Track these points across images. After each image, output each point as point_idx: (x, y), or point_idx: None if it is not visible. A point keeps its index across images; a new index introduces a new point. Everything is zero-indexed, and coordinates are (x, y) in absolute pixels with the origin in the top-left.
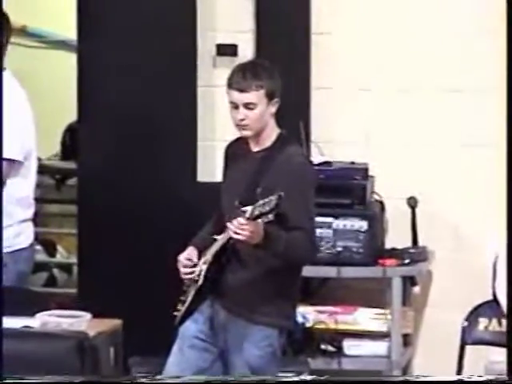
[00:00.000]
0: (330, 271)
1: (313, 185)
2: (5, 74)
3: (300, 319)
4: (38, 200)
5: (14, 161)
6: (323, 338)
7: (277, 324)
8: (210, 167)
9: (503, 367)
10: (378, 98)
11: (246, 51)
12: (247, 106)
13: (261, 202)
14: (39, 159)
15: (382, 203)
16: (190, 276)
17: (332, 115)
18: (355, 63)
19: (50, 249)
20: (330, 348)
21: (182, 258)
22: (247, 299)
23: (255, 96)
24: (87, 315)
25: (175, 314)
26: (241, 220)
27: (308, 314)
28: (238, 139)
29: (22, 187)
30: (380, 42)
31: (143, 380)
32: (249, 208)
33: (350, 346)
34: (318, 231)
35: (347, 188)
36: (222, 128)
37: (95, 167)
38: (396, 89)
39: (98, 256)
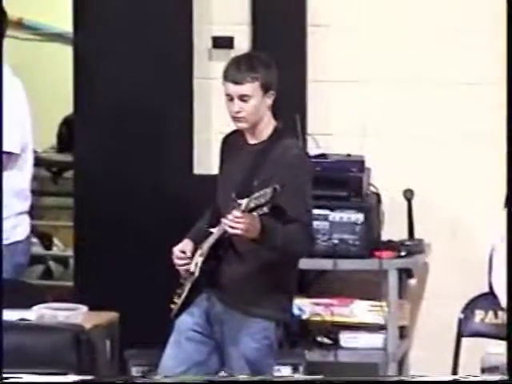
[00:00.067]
0: (326, 263)
1: (310, 177)
2: None
3: (296, 311)
4: (35, 192)
5: (10, 153)
6: (319, 330)
7: (273, 317)
8: (207, 160)
9: (499, 359)
10: (374, 91)
11: (242, 44)
12: (242, 98)
13: (256, 194)
14: (35, 152)
15: (378, 195)
16: (183, 268)
17: (328, 108)
18: (351, 55)
19: (46, 241)
20: (326, 340)
21: (176, 250)
22: (244, 292)
23: (250, 88)
24: (83, 308)
25: (171, 306)
26: (236, 213)
27: (304, 307)
28: (234, 132)
29: (19, 180)
30: (377, 34)
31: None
32: (244, 200)
33: (346, 339)
34: (315, 223)
35: (343, 180)
36: (218, 120)
37: (91, 160)
38: (392, 81)
39: (95, 249)
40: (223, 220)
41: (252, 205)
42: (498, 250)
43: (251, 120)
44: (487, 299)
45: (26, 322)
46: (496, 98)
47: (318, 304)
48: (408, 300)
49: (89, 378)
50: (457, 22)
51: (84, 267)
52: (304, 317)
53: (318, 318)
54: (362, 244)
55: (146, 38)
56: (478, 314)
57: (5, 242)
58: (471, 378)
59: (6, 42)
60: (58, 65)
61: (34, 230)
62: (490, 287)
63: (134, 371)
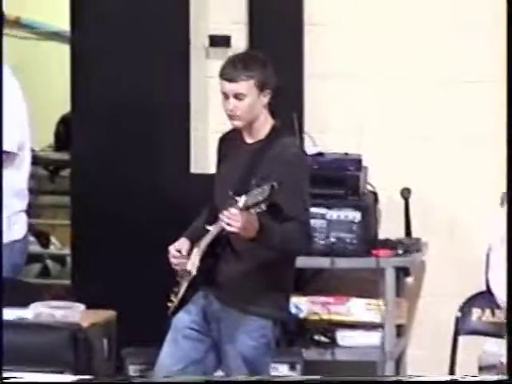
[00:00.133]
0: (323, 262)
1: (307, 176)
2: None
3: (293, 310)
4: (32, 191)
5: (8, 152)
6: (316, 328)
7: (271, 315)
8: (203, 159)
9: (496, 358)
10: (371, 89)
11: (239, 42)
12: (237, 96)
13: (254, 191)
14: (33, 150)
15: (375, 194)
16: (179, 267)
17: (325, 106)
18: (348, 54)
19: (44, 240)
20: (324, 339)
21: (172, 248)
22: (241, 290)
23: (245, 86)
24: (81, 306)
25: (168, 304)
26: (233, 210)
27: (301, 305)
28: (231, 131)
29: (16, 178)
30: (374, 32)
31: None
32: (242, 198)
33: (343, 337)
34: (312, 222)
35: (341, 179)
36: (215, 119)
37: (88, 158)
38: (390, 80)
39: (92, 247)
40: (221, 216)
41: (249, 202)
42: (495, 250)
43: (246, 118)
44: (484, 297)
45: (24, 320)
46: (494, 97)
47: (315, 302)
48: (405, 298)
49: (87, 377)
50: (454, 19)
51: (81, 265)
52: (301, 315)
53: (315, 317)
54: (359, 242)
55: (143, 37)
56: (475, 313)
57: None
58: (471, 378)
59: (3, 40)
60: (55, 63)
61: (31, 229)
62: (487, 285)
63: (131, 369)
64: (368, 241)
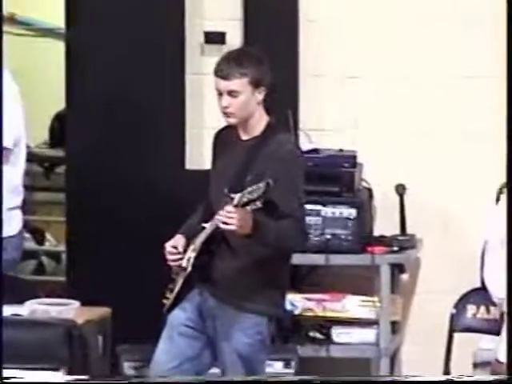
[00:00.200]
0: (318, 259)
1: (302, 173)
2: None
3: (288, 307)
4: (27, 188)
5: (4, 148)
6: (312, 325)
7: (266, 312)
8: (199, 155)
9: (491, 355)
10: (366, 86)
11: (234, 39)
12: (231, 93)
13: (249, 189)
14: (28, 147)
15: (370, 191)
16: (175, 263)
17: (320, 103)
18: (344, 51)
19: (39, 236)
20: (319, 335)
21: (168, 245)
22: (236, 287)
23: (238, 84)
24: (76, 303)
25: (164, 301)
26: (229, 208)
27: (296, 302)
28: (226, 127)
29: (12, 175)
30: (369, 28)
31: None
32: (237, 195)
33: (338, 334)
34: (307, 219)
35: (335, 175)
36: (211, 116)
37: (83, 155)
38: (385, 76)
39: (87, 244)
40: (216, 215)
41: (245, 199)
42: (490, 247)
43: (240, 115)
44: (479, 294)
45: (19, 317)
46: (488, 93)
47: (310, 299)
48: (400, 295)
49: (85, 377)
50: (452, 14)
51: (76, 262)
52: (296, 312)
53: (310, 313)
54: (354, 239)
55: (138, 34)
56: (470, 309)
57: None
58: (471, 378)
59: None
60: (51, 60)
61: (26, 225)
62: (482, 282)
63: (126, 366)
64: (363, 237)
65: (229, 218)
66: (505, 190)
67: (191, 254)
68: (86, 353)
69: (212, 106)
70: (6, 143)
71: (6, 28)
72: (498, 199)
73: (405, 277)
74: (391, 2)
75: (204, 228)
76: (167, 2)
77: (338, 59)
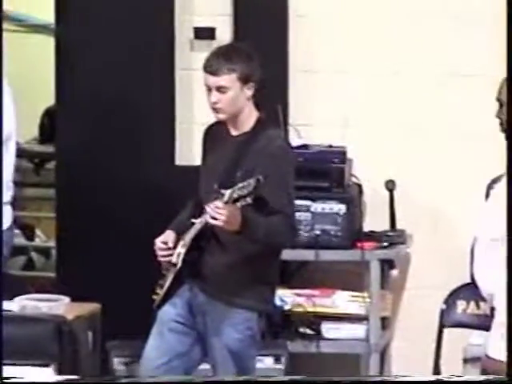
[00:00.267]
0: (308, 254)
1: (292, 168)
2: None
3: (278, 302)
4: (17, 184)
5: None
6: (301, 321)
7: (256, 307)
8: (188, 151)
9: (481, 350)
10: (356, 81)
11: (224, 34)
12: (220, 89)
13: (239, 185)
14: (17, 143)
15: (360, 186)
16: (165, 259)
17: (310, 98)
18: (334, 46)
19: (29, 232)
20: (309, 331)
21: (158, 241)
22: (226, 283)
23: (227, 79)
24: (65, 299)
25: (154, 297)
26: (218, 203)
27: (286, 297)
28: (216, 123)
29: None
30: (359, 24)
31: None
32: (227, 191)
33: (328, 329)
34: (296, 214)
35: (325, 171)
36: (200, 111)
37: (73, 151)
38: (375, 72)
39: (77, 240)
40: (206, 208)
41: (235, 195)
42: (480, 242)
43: (229, 111)
44: (469, 290)
45: (8, 313)
46: (479, 91)
47: (300, 295)
48: (390, 291)
49: (78, 377)
50: (445, 10)
51: (66, 258)
52: (286, 307)
53: (300, 309)
54: (344, 235)
55: (128, 29)
56: (460, 305)
57: None
58: (471, 379)
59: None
60: (42, 56)
61: (16, 221)
62: (472, 278)
63: (116, 362)
64: (353, 233)
65: (217, 213)
66: (494, 186)
67: (181, 249)
68: (76, 348)
69: (202, 101)
70: None
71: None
72: (487, 195)
73: (395, 272)
74: None
75: (194, 224)
76: None
77: (328, 54)
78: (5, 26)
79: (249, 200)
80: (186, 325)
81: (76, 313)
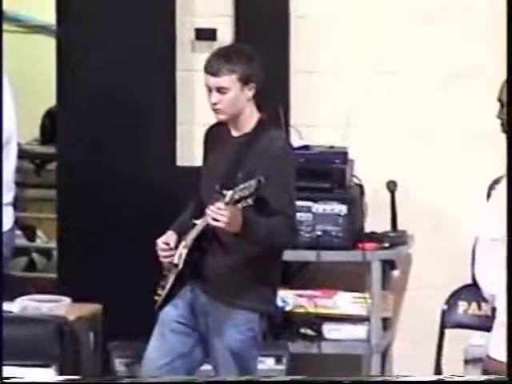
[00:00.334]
0: (309, 255)
1: (294, 169)
2: None
3: (280, 303)
4: (18, 184)
5: None
6: (303, 321)
7: (258, 308)
8: (190, 152)
9: (482, 351)
10: (357, 82)
11: (225, 35)
12: (220, 90)
13: (241, 186)
14: (18, 144)
15: (361, 187)
16: (167, 260)
17: (311, 99)
18: (335, 47)
19: (30, 233)
20: (310, 332)
21: (160, 242)
22: (228, 284)
23: (227, 80)
24: (67, 300)
25: (155, 298)
26: (219, 205)
27: (288, 298)
28: (217, 123)
29: (3, 171)
30: (360, 25)
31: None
32: (229, 192)
33: (329, 330)
34: (298, 215)
35: (326, 172)
36: (202, 112)
37: (74, 152)
38: (376, 73)
39: (78, 241)
40: (207, 210)
41: (236, 197)
42: (481, 243)
43: (229, 112)
44: (470, 290)
45: (9, 313)
46: (479, 91)
47: (301, 296)
48: (391, 291)
49: (79, 377)
50: (445, 11)
51: (67, 259)
52: (287, 308)
53: (301, 310)
54: (345, 235)
55: (129, 30)
56: (461, 306)
57: None
58: (471, 379)
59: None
60: (42, 57)
61: (17, 222)
62: (473, 278)
63: (118, 363)
64: (354, 234)
65: (219, 214)
66: (496, 187)
67: (183, 250)
68: (77, 349)
69: (203, 102)
70: None
71: None
72: (488, 196)
73: (396, 273)
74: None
75: (195, 224)
76: None
77: (329, 55)
78: (5, 26)
79: (250, 201)
80: (187, 326)
81: (77, 313)
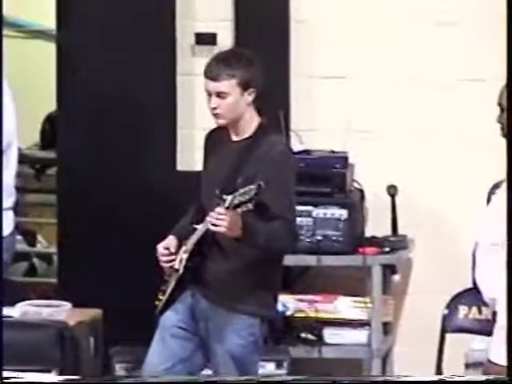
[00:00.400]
0: (310, 260)
1: (294, 174)
2: None
3: (280, 308)
4: (18, 189)
5: None
6: (303, 326)
7: (258, 313)
8: (190, 156)
9: (483, 355)
10: (357, 87)
11: (225, 40)
12: (219, 94)
13: (241, 191)
14: (19, 149)
15: (361, 191)
16: (168, 265)
17: (312, 103)
18: (335, 51)
19: (30, 238)
20: (311, 336)
21: (160, 247)
22: (229, 289)
23: (227, 85)
24: (67, 305)
25: (156, 303)
26: (219, 210)
27: (288, 303)
28: (217, 128)
29: (4, 176)
30: (361, 29)
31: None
32: (229, 197)
33: (330, 335)
34: (298, 220)
35: (327, 176)
36: (202, 117)
37: (74, 157)
38: (376, 77)
39: (78, 246)
40: (207, 217)
41: (236, 201)
42: (482, 247)
43: (229, 117)
44: (471, 295)
45: (10, 318)
46: (480, 95)
47: (302, 300)
48: (392, 296)
49: (79, 377)
50: (445, 16)
51: (68, 264)
52: (288, 313)
53: (302, 315)
54: (346, 240)
55: (129, 35)
56: (462, 310)
57: None
58: (472, 379)
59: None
60: (42, 62)
61: (17, 227)
62: (474, 283)
63: (118, 368)
64: (354, 238)
65: (219, 219)
66: (496, 191)
67: (183, 255)
68: (78, 354)
69: (203, 107)
70: None
71: None
72: (489, 200)
73: (396, 277)
74: (382, 4)
75: (196, 229)
76: (158, 3)
77: (330, 60)
78: (5, 31)
79: (250, 206)
80: (188, 330)
81: (78, 318)
